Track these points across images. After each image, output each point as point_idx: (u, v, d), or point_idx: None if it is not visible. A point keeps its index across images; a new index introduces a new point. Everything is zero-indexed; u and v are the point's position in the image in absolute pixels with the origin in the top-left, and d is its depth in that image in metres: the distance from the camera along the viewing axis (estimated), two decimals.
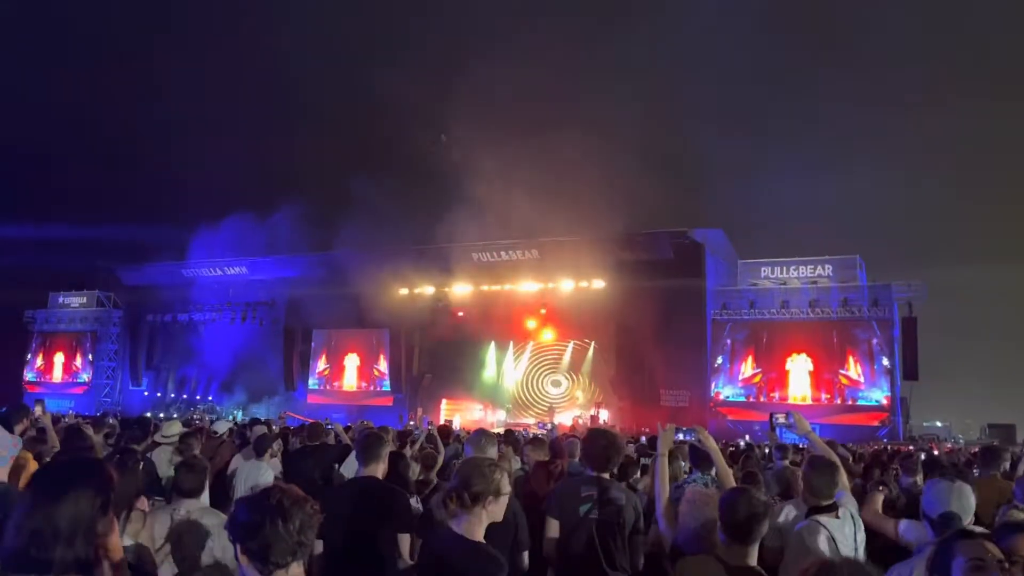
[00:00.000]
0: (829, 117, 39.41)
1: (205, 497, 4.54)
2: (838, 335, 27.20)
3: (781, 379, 27.69)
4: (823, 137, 39.00)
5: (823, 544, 3.67)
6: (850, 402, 26.62)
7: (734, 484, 4.20)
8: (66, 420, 13.70)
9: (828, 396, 26.88)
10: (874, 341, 26.70)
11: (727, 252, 30.19)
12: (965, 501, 3.40)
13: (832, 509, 3.85)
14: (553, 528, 4.22)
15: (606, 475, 4.38)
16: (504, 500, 3.11)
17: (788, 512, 4.25)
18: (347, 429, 10.20)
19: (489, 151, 28.02)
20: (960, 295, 29.59)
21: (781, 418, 4.67)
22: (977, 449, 12.29)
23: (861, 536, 3.83)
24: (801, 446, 10.64)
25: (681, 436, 4.75)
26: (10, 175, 39.46)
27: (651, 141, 33.64)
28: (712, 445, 4.53)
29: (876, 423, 25.97)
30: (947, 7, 36.65)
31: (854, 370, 26.81)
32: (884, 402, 26.28)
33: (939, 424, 28.80)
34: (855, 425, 25.34)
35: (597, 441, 4.45)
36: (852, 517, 3.86)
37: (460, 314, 32.00)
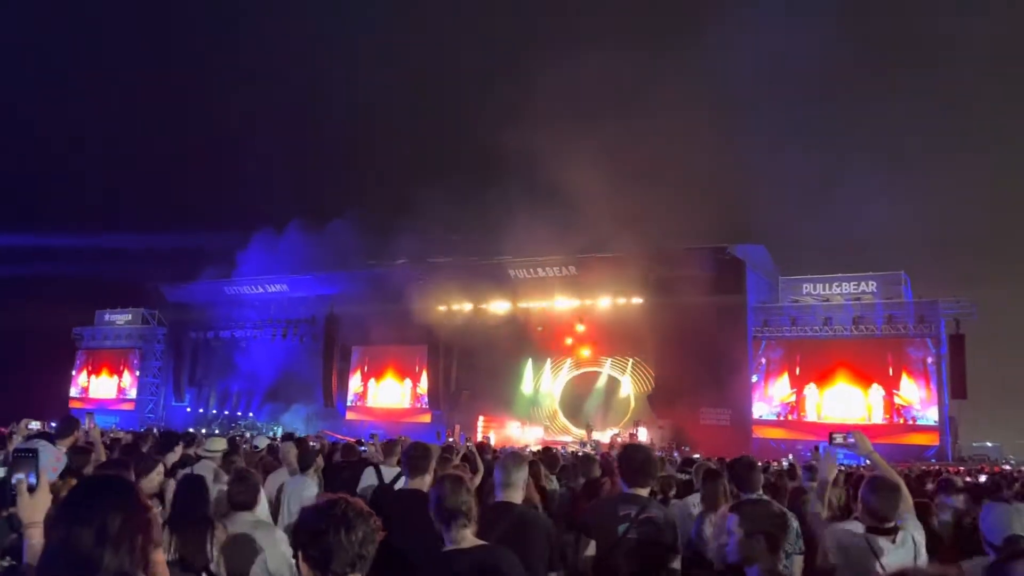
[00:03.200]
0: (874, 132, 38.89)
1: (260, 509, 4.58)
2: (891, 354, 26.60)
3: (819, 398, 27.20)
4: (867, 152, 38.44)
5: (870, 563, 3.54)
6: (911, 421, 25.97)
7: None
8: (109, 435, 13.92)
9: (887, 416, 26.16)
10: (928, 360, 26.08)
11: (768, 268, 29.81)
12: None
13: (892, 532, 3.69)
14: (589, 548, 4.11)
15: (644, 492, 4.27)
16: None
17: (849, 530, 4.04)
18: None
19: (530, 167, 28.13)
20: (1011, 313, 28.81)
21: (840, 437, 4.48)
22: None
23: (923, 562, 3.65)
24: (849, 467, 10.38)
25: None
26: (58, 195, 40.59)
27: (692, 156, 33.47)
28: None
29: (928, 443, 25.32)
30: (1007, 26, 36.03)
31: (909, 389, 26.19)
32: (933, 423, 25.63)
33: (989, 444, 28.02)
34: (902, 445, 24.70)
35: (635, 456, 4.34)
36: (914, 542, 3.69)
37: (497, 330, 32.01)
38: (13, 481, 2.30)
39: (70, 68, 43.16)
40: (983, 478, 10.84)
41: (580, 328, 30.50)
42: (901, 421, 26.08)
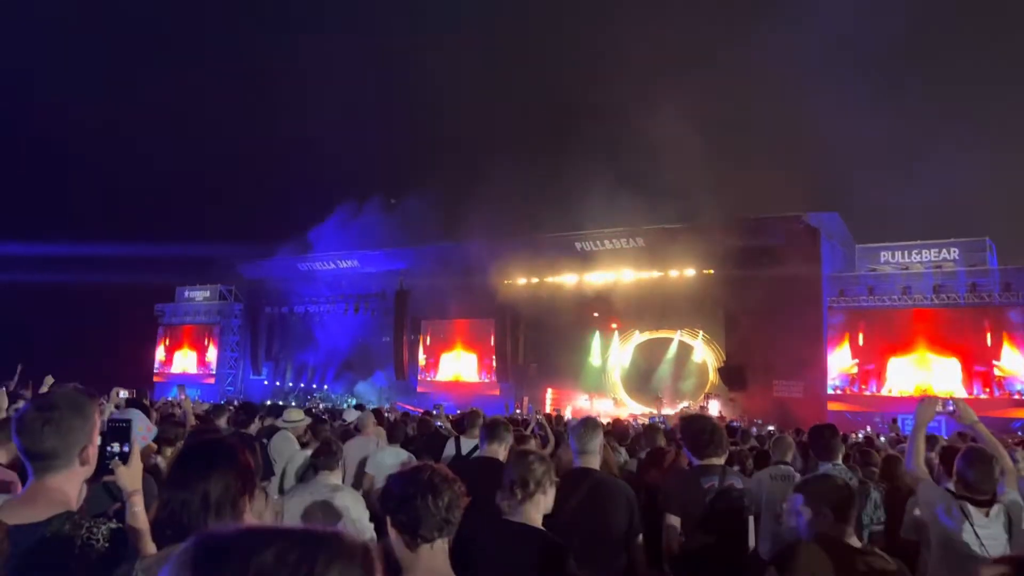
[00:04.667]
0: (955, 93, 37.17)
1: (337, 476, 4.76)
2: (976, 322, 25.45)
3: (898, 370, 26.40)
4: (948, 113, 36.78)
5: (965, 534, 3.40)
6: (1000, 394, 24.83)
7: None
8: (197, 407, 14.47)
9: (988, 390, 25.09)
10: (1007, 328, 24.99)
11: (843, 236, 28.95)
12: None
13: (986, 504, 3.53)
14: (674, 523, 4.11)
15: (719, 462, 4.25)
16: (552, 492, 3.26)
17: (942, 489, 3.82)
18: (459, 417, 10.47)
19: (599, 138, 27.80)
20: None
21: (940, 406, 4.21)
22: None
23: (1020, 536, 3.45)
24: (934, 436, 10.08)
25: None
26: (143, 177, 42.04)
27: (764, 123, 32.62)
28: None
29: (1017, 416, 24.33)
30: None
31: (997, 359, 25.15)
32: (1022, 393, 24.64)
33: None
34: (989, 417, 23.77)
35: (702, 428, 4.30)
36: (1008, 518, 3.50)
37: (565, 303, 32.01)
38: (108, 451, 2.41)
39: (143, 54, 44.40)
40: None
41: (649, 300, 30.18)
42: (987, 392, 25.11)
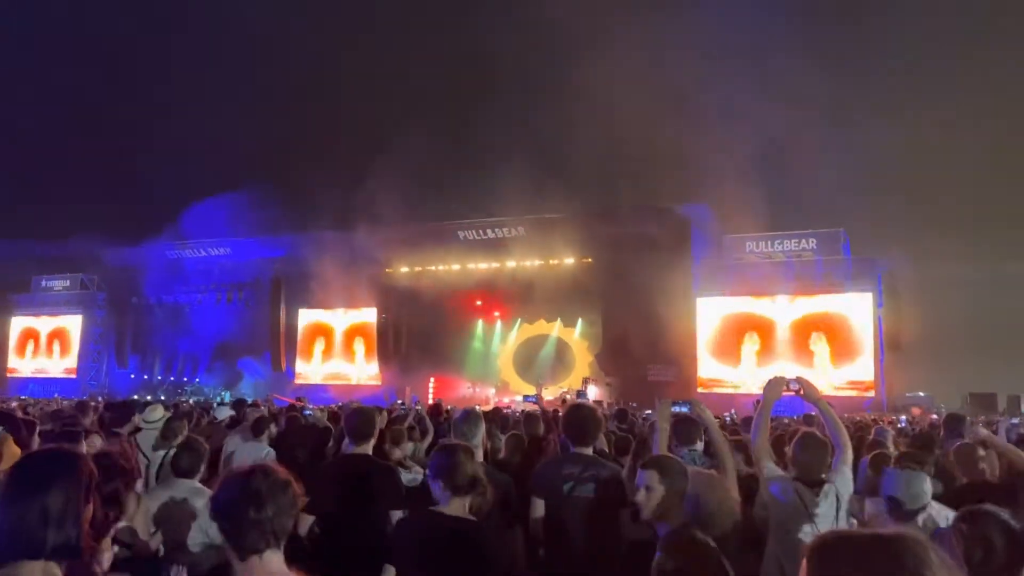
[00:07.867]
0: (815, 85, 39.25)
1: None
2: (830, 309, 27.37)
3: (762, 354, 27.88)
4: (810, 111, 38.80)
5: (798, 514, 3.66)
6: (849, 375, 26.80)
7: (729, 457, 4.16)
8: (51, 404, 13.65)
9: (826, 370, 26.92)
10: (866, 314, 26.92)
11: (712, 227, 30.26)
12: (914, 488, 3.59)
13: (817, 484, 3.79)
14: (538, 507, 4.17)
15: (588, 451, 4.32)
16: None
17: (784, 476, 4.03)
18: (340, 408, 10.33)
19: (479, 129, 27.86)
20: (942, 264, 29.67)
21: (786, 386, 4.25)
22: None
23: (844, 515, 3.75)
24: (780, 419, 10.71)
25: (676, 409, 4.52)
26: None
27: (637, 115, 33.41)
28: (709, 418, 4.44)
29: (861, 395, 26.22)
30: None
31: (847, 343, 27.00)
32: (870, 375, 26.55)
33: (922, 395, 29.05)
34: (840, 397, 25.52)
35: (576, 416, 4.40)
36: (837, 497, 3.75)
37: (448, 293, 32.06)
38: None
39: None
40: (903, 418, 11.35)
41: (529, 288, 30.67)
42: (840, 375, 26.92)
